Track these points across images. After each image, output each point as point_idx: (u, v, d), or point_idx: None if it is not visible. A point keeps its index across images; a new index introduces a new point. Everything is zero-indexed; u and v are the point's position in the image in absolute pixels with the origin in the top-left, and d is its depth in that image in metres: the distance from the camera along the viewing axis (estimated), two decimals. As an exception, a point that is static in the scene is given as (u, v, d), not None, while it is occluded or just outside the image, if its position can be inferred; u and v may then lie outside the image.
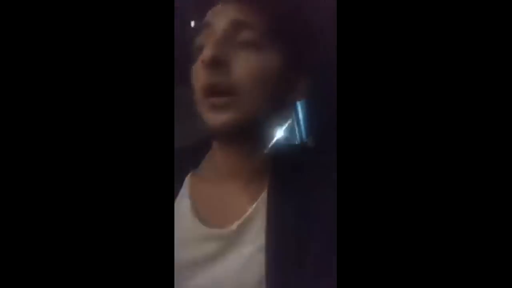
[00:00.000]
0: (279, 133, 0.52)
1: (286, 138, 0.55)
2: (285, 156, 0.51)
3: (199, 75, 0.45)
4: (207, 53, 0.42)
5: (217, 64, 0.42)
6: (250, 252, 0.45)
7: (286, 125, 0.54)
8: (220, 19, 0.45)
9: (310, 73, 0.53)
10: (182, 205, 0.50)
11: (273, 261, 0.43)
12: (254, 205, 0.47)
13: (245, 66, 0.43)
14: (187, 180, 0.53)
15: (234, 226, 0.46)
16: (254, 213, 0.47)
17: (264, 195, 0.47)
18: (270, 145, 0.51)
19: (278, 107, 0.49)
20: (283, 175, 0.49)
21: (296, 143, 0.64)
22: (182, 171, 0.54)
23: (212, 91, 0.43)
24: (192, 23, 0.50)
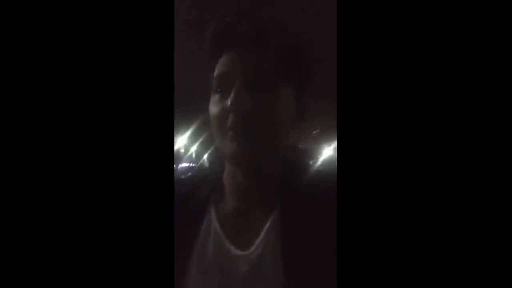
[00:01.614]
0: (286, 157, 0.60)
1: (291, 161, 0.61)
2: (292, 176, 0.58)
3: (223, 114, 0.51)
4: (233, 103, 0.49)
5: (243, 112, 0.50)
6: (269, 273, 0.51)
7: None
8: (240, 70, 0.51)
9: (311, 100, 0.59)
10: (213, 226, 0.57)
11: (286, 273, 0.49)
12: (268, 223, 0.54)
13: (263, 109, 0.51)
14: (214, 201, 0.59)
15: (253, 247, 0.53)
16: (268, 231, 0.53)
17: (276, 211, 0.54)
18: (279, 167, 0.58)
19: (286, 134, 0.57)
20: (291, 194, 0.55)
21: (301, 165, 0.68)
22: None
23: (239, 128, 0.50)
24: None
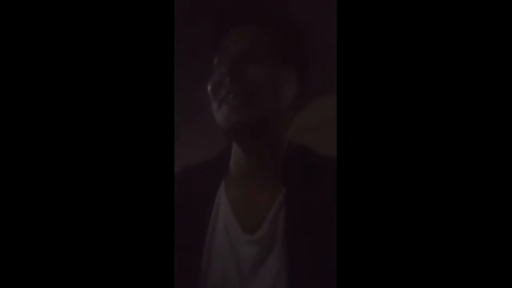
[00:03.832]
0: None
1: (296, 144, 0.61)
2: (298, 157, 0.58)
3: (219, 85, 0.52)
4: (225, 70, 0.51)
5: (238, 77, 0.50)
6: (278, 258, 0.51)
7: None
8: (237, 41, 0.53)
9: (311, 79, 0.60)
10: (223, 209, 0.56)
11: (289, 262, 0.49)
12: (275, 206, 0.54)
13: (258, 77, 0.51)
14: (223, 183, 0.59)
15: (263, 230, 0.52)
16: (275, 213, 0.53)
17: (282, 194, 0.54)
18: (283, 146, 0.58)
19: (284, 111, 0.56)
20: (296, 175, 0.55)
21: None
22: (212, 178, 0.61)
23: (230, 98, 0.51)
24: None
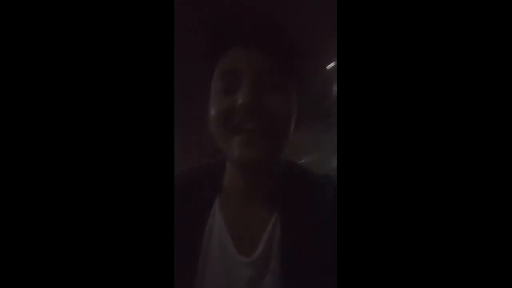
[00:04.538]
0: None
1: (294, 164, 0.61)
2: (293, 177, 0.57)
3: (229, 112, 0.49)
4: (244, 99, 0.47)
5: (253, 109, 0.47)
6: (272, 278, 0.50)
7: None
8: (248, 67, 0.49)
9: (311, 101, 0.60)
10: (218, 230, 0.55)
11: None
12: (270, 227, 0.53)
13: (272, 108, 0.49)
14: (217, 203, 0.58)
15: (258, 252, 0.52)
16: (271, 234, 0.53)
17: (277, 215, 0.54)
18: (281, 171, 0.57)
19: (291, 135, 0.55)
20: (292, 195, 0.55)
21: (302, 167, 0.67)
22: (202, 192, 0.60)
23: (245, 129, 0.48)
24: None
